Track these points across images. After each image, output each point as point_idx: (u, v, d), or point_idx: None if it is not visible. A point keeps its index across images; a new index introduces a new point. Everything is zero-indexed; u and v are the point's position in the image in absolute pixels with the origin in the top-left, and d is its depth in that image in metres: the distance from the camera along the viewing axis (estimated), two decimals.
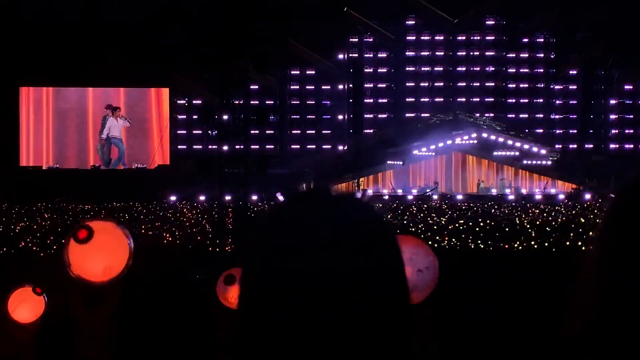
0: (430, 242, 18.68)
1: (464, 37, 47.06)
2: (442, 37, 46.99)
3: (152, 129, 43.21)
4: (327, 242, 1.05)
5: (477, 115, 45.59)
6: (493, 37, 47.19)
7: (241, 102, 23.19)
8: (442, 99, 46.61)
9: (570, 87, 47.13)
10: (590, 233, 19.50)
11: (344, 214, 1.08)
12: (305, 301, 1.03)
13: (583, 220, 23.59)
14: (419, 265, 1.86)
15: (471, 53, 47.18)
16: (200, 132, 44.32)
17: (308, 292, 1.02)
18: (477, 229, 21.17)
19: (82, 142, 42.41)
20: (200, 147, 44.14)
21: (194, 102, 43.75)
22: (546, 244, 18.46)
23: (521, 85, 47.38)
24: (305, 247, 1.05)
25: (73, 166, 40.76)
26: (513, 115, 47.14)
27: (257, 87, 42.78)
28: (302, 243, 1.05)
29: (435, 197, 39.21)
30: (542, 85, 47.34)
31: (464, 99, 46.28)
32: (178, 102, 44.67)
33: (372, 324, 1.05)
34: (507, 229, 21.07)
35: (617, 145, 46.18)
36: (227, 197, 22.50)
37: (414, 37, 47.12)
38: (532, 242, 18.66)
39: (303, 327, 1.02)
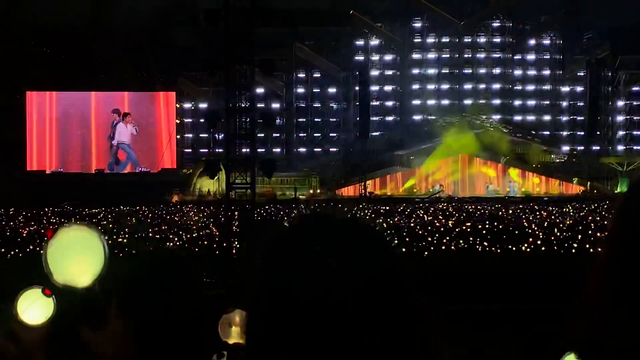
0: (438, 244, 18.68)
1: (470, 39, 47.04)
2: (448, 39, 46.99)
3: (158, 133, 43.26)
4: (332, 273, 1.05)
5: (484, 117, 45.53)
6: (499, 39, 47.17)
7: (247, 105, 23.21)
8: (448, 101, 46.60)
9: (577, 88, 47.05)
10: (598, 234, 19.44)
11: (349, 243, 1.09)
12: (312, 332, 1.03)
13: (590, 222, 23.53)
14: None
15: (477, 55, 47.17)
16: (206, 135, 44.46)
17: (315, 323, 1.03)
18: (485, 231, 21.14)
19: (86, 146, 42.53)
20: (207, 150, 44.26)
21: (200, 105, 43.86)
22: (554, 246, 18.42)
23: (528, 87, 47.32)
24: (311, 276, 1.05)
25: (76, 170, 40.82)
26: (520, 117, 47.07)
27: (263, 90, 42.85)
28: (308, 273, 1.05)
29: (442, 199, 39.15)
30: (549, 87, 47.28)
31: (470, 101, 46.24)
32: (184, 105, 44.78)
33: (382, 346, 1.05)
34: (515, 231, 21.03)
35: (625, 147, 46.07)
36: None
37: (420, 40, 47.14)
38: (540, 244, 18.62)
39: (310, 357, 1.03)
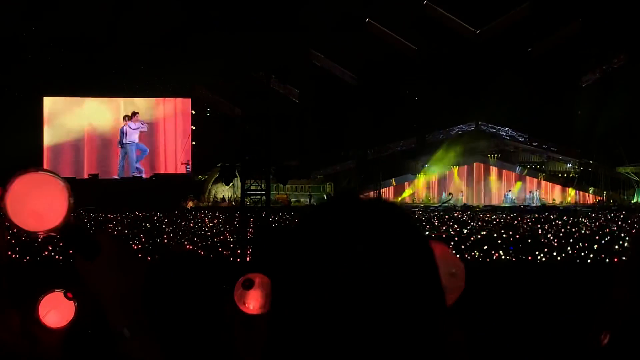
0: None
1: (486, 49, 46.91)
2: (463, 48, 46.88)
3: (173, 140, 43.42)
4: (360, 248, 1.05)
5: (499, 126, 45.40)
6: (516, 49, 47.00)
7: (263, 112, 23.26)
8: (464, 110, 46.48)
9: (594, 98, 46.77)
10: (616, 246, 19.32)
11: (376, 219, 1.09)
12: (340, 307, 1.02)
13: (607, 232, 23.38)
14: (450, 269, 1.88)
15: (493, 64, 47.01)
16: (221, 142, 44.57)
17: (343, 299, 1.02)
18: (500, 240, 21.06)
19: (99, 152, 42.75)
20: (222, 156, 44.38)
21: (215, 112, 43.99)
22: (569, 256, 18.32)
23: (544, 96, 47.10)
24: (339, 253, 1.05)
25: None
26: (536, 127, 46.85)
27: (278, 97, 42.95)
28: (336, 249, 1.05)
29: (457, 207, 39.05)
30: (566, 97, 47.05)
31: (486, 110, 46.09)
32: (200, 112, 44.93)
33: (409, 330, 1.04)
34: (529, 240, 20.94)
35: None
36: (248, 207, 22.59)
37: (435, 48, 47.04)
38: (555, 254, 18.52)
39: (337, 334, 1.02)
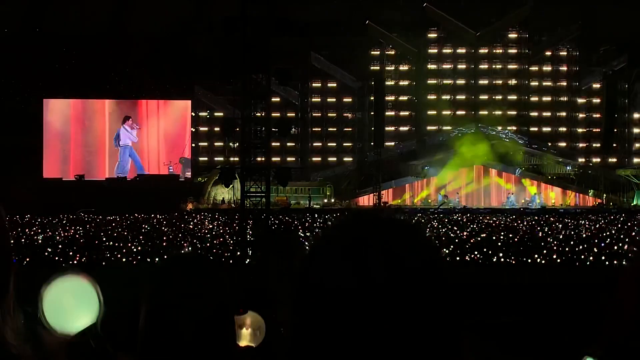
0: (452, 255, 18.60)
1: (486, 50, 46.97)
2: (464, 50, 46.94)
3: (173, 141, 43.41)
4: (383, 268, 1.05)
5: (499, 128, 45.41)
6: (515, 50, 47.06)
7: (263, 114, 23.28)
8: (464, 112, 46.50)
9: (594, 100, 46.86)
10: (615, 247, 19.31)
11: (397, 240, 1.09)
12: (359, 329, 1.03)
13: (607, 235, 23.38)
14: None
15: (493, 66, 47.08)
16: (222, 144, 44.64)
17: (363, 321, 1.03)
18: (499, 242, 21.05)
19: (99, 153, 42.78)
20: (222, 158, 44.46)
21: (216, 114, 44.04)
22: (569, 258, 18.30)
23: (544, 99, 47.15)
24: (361, 273, 1.05)
25: (89, 177, 40.90)
26: (536, 129, 46.88)
27: (278, 99, 43.00)
28: (358, 269, 1.06)
29: (457, 209, 39.03)
30: (565, 99, 47.09)
31: (486, 112, 46.11)
32: (200, 114, 44.97)
33: (425, 347, 1.05)
34: (529, 243, 20.93)
35: None
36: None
37: (435, 50, 47.12)
38: (555, 256, 18.51)
39: (354, 346, 1.03)
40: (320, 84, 46.59)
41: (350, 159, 46.20)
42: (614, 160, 45.62)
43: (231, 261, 18.25)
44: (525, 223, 29.29)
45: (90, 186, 38.40)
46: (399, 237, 1.12)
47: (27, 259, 16.69)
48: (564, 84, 47.14)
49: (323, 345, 1.05)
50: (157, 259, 16.76)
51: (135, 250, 18.70)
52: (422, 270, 1.08)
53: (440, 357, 1.06)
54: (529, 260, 18.11)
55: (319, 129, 46.74)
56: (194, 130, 44.18)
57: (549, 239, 22.31)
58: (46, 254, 17.79)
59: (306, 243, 19.03)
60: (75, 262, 16.69)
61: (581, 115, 47.17)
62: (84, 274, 1.92)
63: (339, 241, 1.11)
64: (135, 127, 42.75)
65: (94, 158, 42.70)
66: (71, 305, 1.89)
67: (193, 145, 43.87)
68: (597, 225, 28.04)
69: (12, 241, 1.31)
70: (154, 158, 43.09)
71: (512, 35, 47.04)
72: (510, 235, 23.22)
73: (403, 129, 46.96)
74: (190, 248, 20.01)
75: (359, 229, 1.13)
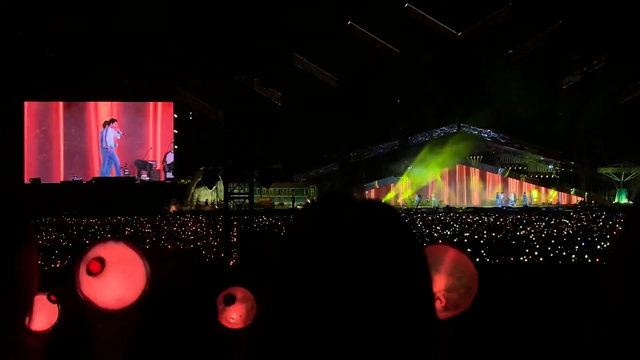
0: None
1: (467, 51, 47.11)
2: (445, 51, 47.04)
3: (155, 143, 43.28)
4: (355, 245, 1.06)
5: (481, 127, 45.60)
6: (497, 50, 47.22)
7: (246, 115, 23.22)
8: (446, 112, 46.63)
9: (575, 99, 47.08)
10: (598, 247, 19.43)
11: (370, 217, 1.10)
12: (330, 303, 1.04)
13: (590, 233, 23.53)
14: (461, 275, 1.85)
15: (475, 66, 47.22)
16: (204, 145, 44.48)
17: (334, 295, 1.04)
18: (482, 241, 21.13)
19: (82, 155, 42.56)
20: (205, 160, 44.30)
21: (198, 115, 43.91)
22: (552, 257, 18.41)
23: (525, 98, 47.32)
24: (334, 250, 1.06)
25: (71, 179, 40.65)
26: (518, 128, 47.06)
27: (261, 100, 42.91)
28: (331, 247, 1.07)
29: (440, 210, 39.16)
30: (547, 98, 47.30)
31: (468, 112, 46.26)
32: (182, 115, 44.81)
33: (398, 334, 1.05)
34: (512, 242, 21.03)
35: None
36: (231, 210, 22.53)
37: (417, 51, 47.18)
38: (538, 255, 18.61)
39: (327, 339, 1.03)
40: (302, 85, 46.54)
41: (334, 159, 46.20)
42: (595, 158, 45.93)
43: (215, 263, 18.21)
44: (508, 222, 29.44)
45: (71, 189, 38.16)
46: (372, 211, 1.14)
47: None
48: (545, 83, 47.35)
49: (300, 317, 1.06)
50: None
51: None
52: (394, 241, 1.10)
53: (416, 329, 1.07)
54: (512, 259, 18.20)
55: (302, 130, 46.69)
56: (176, 131, 44.02)
57: (531, 237, 22.42)
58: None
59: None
60: (57, 266, 16.59)
61: (562, 114, 47.40)
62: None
63: (315, 216, 1.12)
64: (119, 132, 42.57)
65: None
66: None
67: (175, 147, 43.71)
68: (580, 224, 28.22)
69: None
70: (130, 160, 42.85)
71: (494, 36, 47.21)
72: (493, 234, 23.33)
73: (386, 129, 47.00)
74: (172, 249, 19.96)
75: (334, 205, 1.14)
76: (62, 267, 16.41)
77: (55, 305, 2.10)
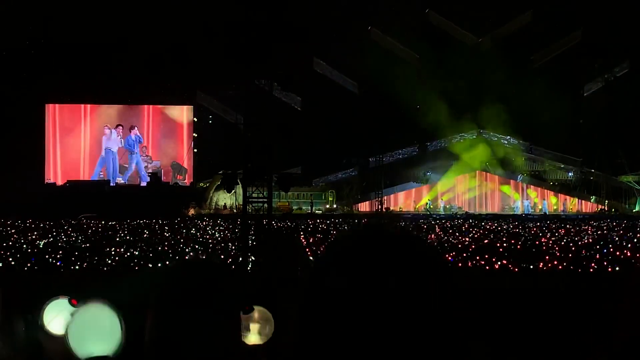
0: (454, 262, 18.57)
1: (488, 56, 46.92)
2: (466, 56, 46.89)
3: (175, 147, 43.45)
4: (390, 286, 1.06)
5: (501, 134, 45.38)
6: (517, 57, 47.01)
7: (265, 119, 23.24)
8: (466, 118, 46.43)
9: (596, 106, 46.77)
10: (617, 254, 19.26)
11: (406, 255, 1.09)
12: (367, 342, 1.03)
13: (609, 241, 23.32)
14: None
15: (495, 72, 47.00)
16: (224, 149, 44.61)
17: (370, 334, 1.03)
18: (502, 249, 21.01)
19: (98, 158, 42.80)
20: (224, 164, 44.40)
21: (218, 119, 44.04)
22: (572, 265, 18.26)
23: (546, 105, 47.06)
24: (368, 290, 1.05)
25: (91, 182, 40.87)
26: (538, 135, 46.79)
27: (281, 105, 42.95)
28: (365, 287, 1.06)
29: (459, 215, 39.00)
30: (568, 105, 47.02)
31: (488, 118, 46.04)
32: (202, 119, 44.98)
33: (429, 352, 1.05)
34: (532, 250, 20.88)
35: None
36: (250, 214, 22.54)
37: (437, 56, 47.06)
38: (557, 263, 18.47)
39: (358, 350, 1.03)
40: (322, 90, 46.58)
41: (353, 164, 46.16)
42: (616, 166, 45.57)
43: (233, 267, 18.24)
44: (527, 229, 29.26)
45: (91, 191, 38.33)
46: (401, 249, 1.12)
47: (28, 264, 16.67)
48: (566, 89, 47.07)
49: (328, 349, 1.05)
50: (160, 265, 16.74)
51: (136, 254, 18.68)
52: (424, 278, 1.08)
53: None
54: (531, 267, 18.07)
55: (321, 135, 46.71)
56: (196, 135, 44.19)
57: (551, 244, 22.27)
58: (51, 259, 17.78)
59: (307, 249, 19.01)
60: (77, 267, 16.67)
61: (583, 122, 47.10)
62: (110, 305, 1.95)
63: (345, 255, 1.11)
64: (120, 135, 42.57)
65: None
66: (95, 334, 1.92)
67: (195, 150, 43.88)
68: (600, 232, 27.99)
69: None
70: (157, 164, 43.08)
71: (515, 41, 47.01)
72: (513, 242, 23.19)
73: (405, 134, 46.91)
74: (192, 254, 20.00)
75: (364, 243, 1.12)
76: (82, 270, 16.50)
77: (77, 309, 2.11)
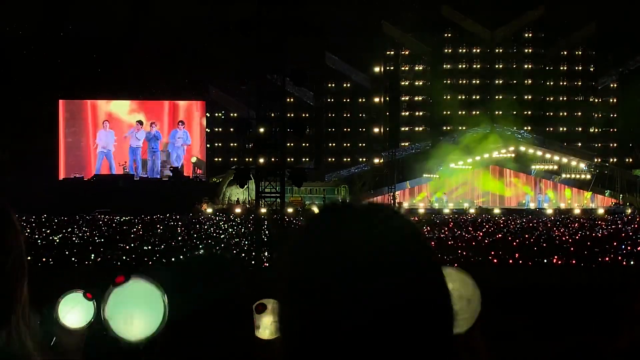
0: (467, 256, 18.54)
1: (501, 50, 46.79)
2: (479, 50, 46.77)
3: (189, 141, 43.50)
4: (362, 256, 1.04)
5: (515, 128, 45.22)
6: (531, 50, 46.84)
7: (278, 115, 23.23)
8: (479, 112, 46.34)
9: (610, 100, 46.56)
10: (630, 248, 19.17)
11: (380, 228, 1.07)
12: (343, 320, 1.02)
13: (623, 235, 23.22)
14: (467, 295, 1.84)
15: (509, 66, 46.88)
16: (236, 144, 44.71)
17: (341, 306, 1.02)
18: (515, 243, 20.94)
19: (114, 153, 42.88)
20: (236, 159, 44.50)
21: (230, 115, 44.12)
22: (586, 259, 18.19)
23: (559, 98, 46.89)
24: (340, 261, 1.04)
25: (105, 178, 40.96)
26: (551, 129, 46.64)
27: (293, 100, 42.99)
28: (337, 257, 1.04)
29: (469, 210, 38.91)
30: (581, 98, 46.82)
31: (501, 112, 45.92)
32: (215, 114, 45.06)
33: (414, 344, 1.03)
34: (545, 244, 20.81)
35: None
36: (263, 210, 22.57)
37: (450, 50, 46.97)
38: (571, 257, 18.40)
39: (337, 340, 1.02)
40: (334, 85, 46.57)
41: (365, 159, 46.13)
42: (631, 160, 45.30)
43: (246, 262, 18.28)
44: (541, 224, 29.15)
45: (105, 187, 38.47)
46: (375, 222, 1.10)
47: (43, 260, 16.77)
48: (580, 83, 46.87)
49: (309, 335, 1.04)
50: (173, 260, 16.79)
51: (149, 249, 18.75)
52: (401, 252, 1.07)
53: (430, 346, 1.04)
54: (545, 261, 18.03)
55: (334, 130, 46.71)
56: (208, 130, 44.24)
57: (564, 238, 22.19)
58: (66, 253, 17.88)
59: None
60: (90, 262, 16.76)
61: (597, 115, 46.87)
62: (151, 280, 1.85)
63: (315, 231, 1.10)
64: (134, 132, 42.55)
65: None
66: (137, 312, 1.82)
67: (208, 145, 43.93)
68: (614, 226, 27.85)
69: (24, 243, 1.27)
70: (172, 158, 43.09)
71: (528, 35, 46.82)
72: (526, 236, 23.13)
73: (418, 129, 46.85)
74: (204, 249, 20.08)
75: (335, 218, 1.12)
76: (96, 264, 16.59)
77: (92, 303, 2.12)
